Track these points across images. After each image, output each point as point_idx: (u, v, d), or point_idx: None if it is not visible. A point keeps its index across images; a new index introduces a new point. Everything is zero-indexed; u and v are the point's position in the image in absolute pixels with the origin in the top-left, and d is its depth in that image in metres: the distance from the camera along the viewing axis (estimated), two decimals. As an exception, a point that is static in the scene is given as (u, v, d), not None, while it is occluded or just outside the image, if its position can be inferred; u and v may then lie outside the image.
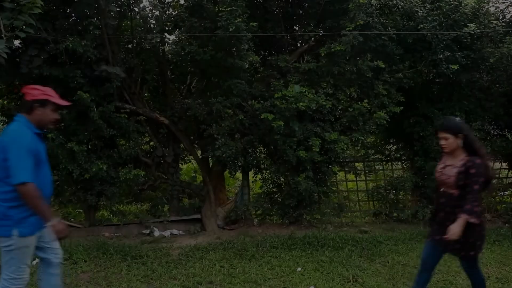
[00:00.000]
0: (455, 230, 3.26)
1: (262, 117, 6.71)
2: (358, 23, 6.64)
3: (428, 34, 7.06)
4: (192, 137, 8.06)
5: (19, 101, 7.15)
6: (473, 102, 7.93)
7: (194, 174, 11.13)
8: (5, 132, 3.02)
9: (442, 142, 3.44)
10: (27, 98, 3.05)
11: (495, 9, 8.25)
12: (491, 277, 5.06)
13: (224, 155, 6.68)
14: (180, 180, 8.04)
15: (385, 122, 7.11)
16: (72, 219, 7.93)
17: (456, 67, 6.93)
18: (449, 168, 3.46)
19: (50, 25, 6.04)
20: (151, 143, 7.98)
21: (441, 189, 3.57)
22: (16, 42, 5.96)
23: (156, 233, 7.02)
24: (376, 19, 6.99)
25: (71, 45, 5.79)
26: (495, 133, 8.73)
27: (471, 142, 3.40)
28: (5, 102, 7.22)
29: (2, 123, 7.70)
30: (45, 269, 3.26)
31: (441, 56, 7.03)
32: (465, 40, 7.19)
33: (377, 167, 9.10)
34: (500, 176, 9.03)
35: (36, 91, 3.05)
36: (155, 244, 6.39)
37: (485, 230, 3.54)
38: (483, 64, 7.79)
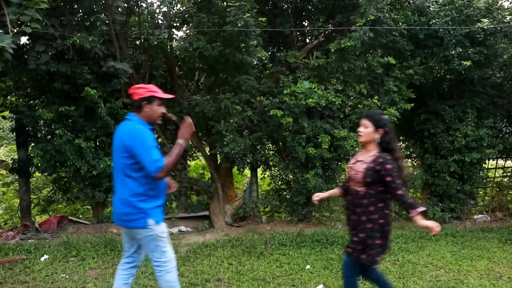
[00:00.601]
0: (434, 225, 3.16)
1: (271, 114, 6.64)
2: (368, 19, 6.53)
3: (440, 29, 6.94)
4: (200, 133, 8.03)
5: (26, 98, 7.16)
6: (485, 99, 7.83)
7: (202, 171, 11.13)
8: (122, 131, 3.13)
9: (361, 129, 3.32)
10: (135, 98, 3.19)
11: (510, 3, 8.11)
12: (503, 277, 4.99)
13: (232, 151, 6.64)
14: (188, 177, 8.03)
15: (395, 119, 7.01)
16: (80, 216, 7.94)
17: (468, 63, 6.82)
18: (359, 163, 3.32)
19: (57, 21, 6.00)
20: (159, 140, 7.96)
21: (350, 186, 3.40)
22: (24, 39, 5.95)
23: (164, 230, 7.01)
24: (387, 14, 6.89)
25: (78, 41, 5.76)
26: (508, 131, 8.60)
27: (389, 140, 3.27)
28: (13, 98, 7.24)
29: (10, 120, 7.71)
30: (125, 266, 3.49)
31: (453, 52, 6.91)
32: (478, 36, 7.06)
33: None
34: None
35: (141, 90, 3.19)
36: (163, 241, 6.37)
37: (390, 226, 3.39)
38: (496, 61, 7.67)
